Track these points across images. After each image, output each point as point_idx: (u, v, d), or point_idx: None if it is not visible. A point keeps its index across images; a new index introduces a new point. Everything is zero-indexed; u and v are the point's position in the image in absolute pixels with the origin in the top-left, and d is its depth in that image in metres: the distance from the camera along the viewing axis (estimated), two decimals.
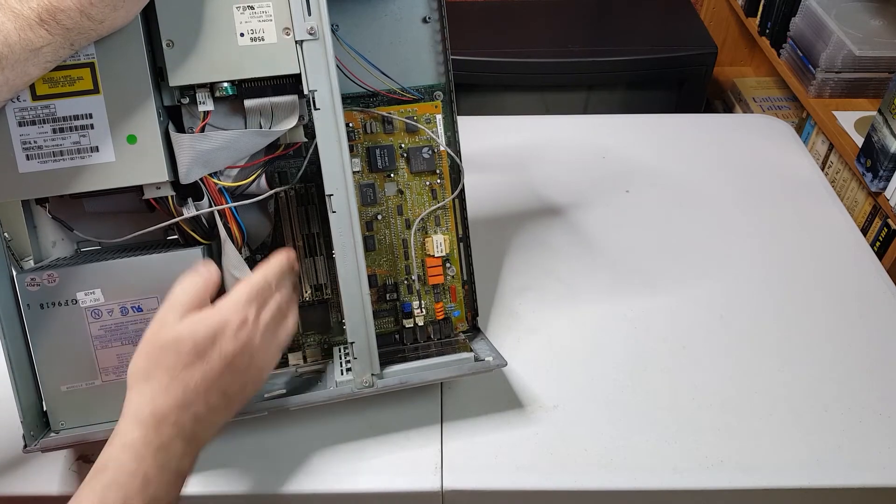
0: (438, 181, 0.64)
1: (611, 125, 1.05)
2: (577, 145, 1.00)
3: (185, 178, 0.51)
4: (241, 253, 0.56)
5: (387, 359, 0.59)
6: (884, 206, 1.14)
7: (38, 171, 0.48)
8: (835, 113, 1.32)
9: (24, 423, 0.53)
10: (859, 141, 1.21)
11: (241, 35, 0.49)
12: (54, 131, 0.48)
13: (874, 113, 1.12)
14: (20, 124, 0.48)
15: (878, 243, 1.16)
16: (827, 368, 0.69)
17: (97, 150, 0.49)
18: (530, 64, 1.49)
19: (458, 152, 0.64)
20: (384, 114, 0.61)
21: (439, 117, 0.63)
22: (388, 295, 0.64)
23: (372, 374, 0.56)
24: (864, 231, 1.19)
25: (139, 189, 0.51)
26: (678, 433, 0.62)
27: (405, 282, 0.65)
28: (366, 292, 0.54)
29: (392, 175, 0.63)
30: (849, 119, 1.30)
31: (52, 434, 0.54)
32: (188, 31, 0.48)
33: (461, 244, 0.66)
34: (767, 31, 1.55)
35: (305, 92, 0.50)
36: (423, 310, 0.65)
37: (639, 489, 0.59)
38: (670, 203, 0.90)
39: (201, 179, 0.52)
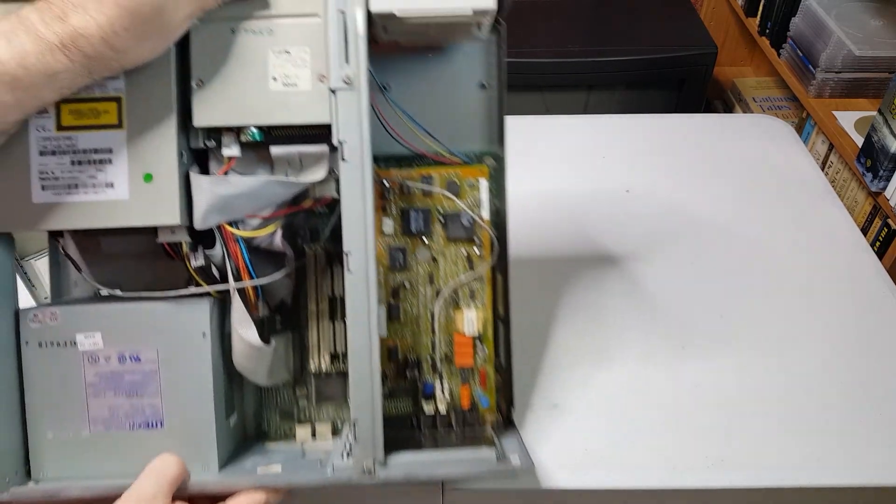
0: (477, 251, 0.58)
1: (611, 125, 1.05)
2: (577, 145, 1.00)
3: (201, 223, 0.48)
4: (258, 311, 0.52)
5: (396, 445, 0.53)
6: (884, 206, 1.14)
7: (51, 202, 0.46)
8: (835, 113, 1.32)
9: None
10: (859, 141, 1.22)
11: (274, 79, 0.46)
12: (73, 163, 0.46)
13: (874, 113, 1.12)
14: (41, 153, 0.46)
15: (878, 243, 1.16)
16: (827, 368, 0.69)
17: (112, 187, 0.47)
18: (530, 64, 1.49)
19: (504, 223, 0.58)
20: (422, 186, 0.57)
21: (483, 182, 0.58)
22: (408, 371, 0.57)
23: (374, 461, 0.50)
24: (864, 231, 1.19)
25: (154, 232, 0.49)
26: (678, 433, 0.62)
27: (429, 359, 0.58)
28: (376, 366, 0.48)
29: (426, 240, 0.57)
30: (849, 119, 1.31)
31: (31, 483, 0.51)
32: (219, 72, 0.46)
33: (501, 325, 0.58)
34: (767, 31, 1.56)
35: (335, 142, 0.47)
36: (447, 393, 0.58)
37: (639, 489, 0.59)
38: (669, 203, 0.90)
39: (218, 227, 0.49)
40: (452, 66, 0.58)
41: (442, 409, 0.57)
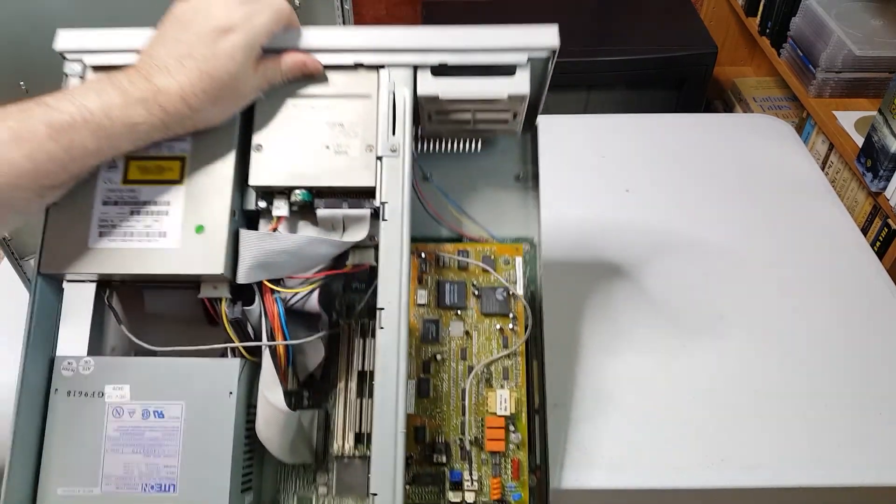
0: (511, 327, 0.57)
1: (611, 125, 1.05)
2: (577, 145, 1.00)
3: (244, 277, 0.49)
4: (287, 381, 0.52)
5: None
6: (884, 206, 1.14)
7: (105, 248, 0.49)
8: (835, 113, 1.32)
9: None
10: (859, 141, 1.21)
11: (327, 147, 0.50)
12: (131, 213, 0.49)
13: (874, 113, 1.12)
14: (104, 203, 0.49)
15: (878, 243, 1.16)
16: (827, 368, 0.69)
17: (164, 236, 0.49)
18: None
19: (539, 308, 0.58)
20: (458, 258, 0.58)
21: (519, 260, 0.59)
22: (434, 456, 0.54)
23: None
24: (864, 231, 1.19)
25: (197, 287, 0.50)
26: (678, 432, 0.62)
27: (458, 441, 0.55)
28: (401, 430, 0.46)
29: (460, 313, 0.58)
30: (849, 119, 1.31)
31: None
32: (278, 139, 0.50)
33: (536, 416, 0.55)
34: (767, 30, 1.55)
35: (377, 204, 0.49)
36: (476, 483, 0.54)
37: (639, 489, 0.59)
38: (670, 203, 0.90)
39: (258, 285, 0.50)
40: (490, 160, 0.61)
41: (469, 499, 0.54)
